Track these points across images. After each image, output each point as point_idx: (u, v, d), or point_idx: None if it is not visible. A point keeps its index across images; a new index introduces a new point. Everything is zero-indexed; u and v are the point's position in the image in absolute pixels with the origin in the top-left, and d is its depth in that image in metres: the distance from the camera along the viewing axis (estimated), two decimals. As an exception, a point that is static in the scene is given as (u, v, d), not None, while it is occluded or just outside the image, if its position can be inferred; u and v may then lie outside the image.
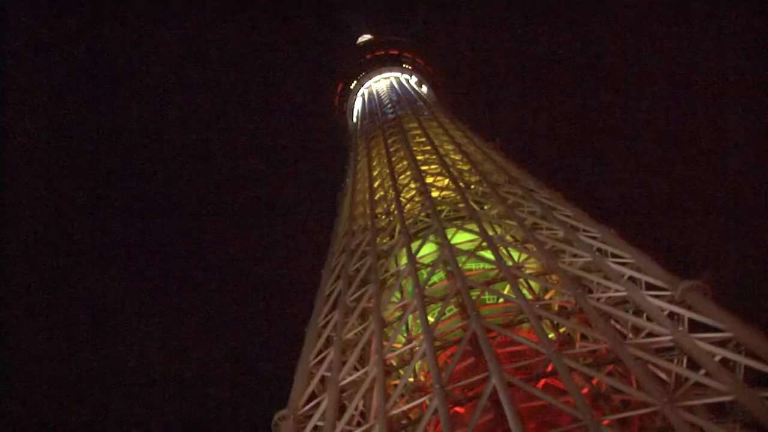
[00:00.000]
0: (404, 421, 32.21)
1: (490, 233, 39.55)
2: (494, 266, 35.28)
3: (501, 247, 38.57)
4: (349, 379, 32.29)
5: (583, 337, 34.59)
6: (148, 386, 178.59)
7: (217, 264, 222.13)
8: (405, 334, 37.89)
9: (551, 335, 35.23)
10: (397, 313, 37.23)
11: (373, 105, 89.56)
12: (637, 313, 31.06)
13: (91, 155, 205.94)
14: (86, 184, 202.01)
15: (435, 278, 38.52)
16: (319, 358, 35.65)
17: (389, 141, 65.31)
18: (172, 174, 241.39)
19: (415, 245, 39.05)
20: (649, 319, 30.14)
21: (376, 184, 55.93)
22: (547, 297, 38.58)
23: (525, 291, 37.07)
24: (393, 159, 58.49)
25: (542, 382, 30.76)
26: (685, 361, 28.42)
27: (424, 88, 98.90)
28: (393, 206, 47.80)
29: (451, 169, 50.95)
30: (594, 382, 32.01)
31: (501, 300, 35.65)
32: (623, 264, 33.68)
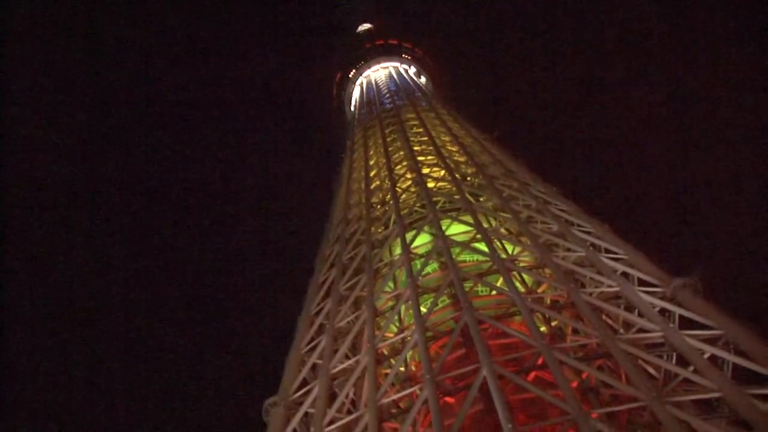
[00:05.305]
0: (394, 410, 32.36)
1: (485, 225, 39.68)
2: (488, 258, 35.35)
3: (495, 240, 38.68)
4: (341, 367, 32.48)
5: (575, 331, 34.82)
6: (139, 374, 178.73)
7: (211, 251, 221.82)
8: (397, 324, 38.04)
9: (543, 328, 35.48)
10: (390, 303, 37.34)
11: (372, 94, 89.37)
12: (629, 308, 31.31)
13: (85, 142, 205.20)
14: (80, 167, 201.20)
15: (429, 269, 38.69)
16: (311, 345, 35.80)
17: (386, 131, 65.30)
18: (166, 160, 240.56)
19: (409, 235, 39.15)
20: (640, 315, 30.37)
21: (372, 174, 55.93)
22: (539, 290, 38.76)
23: (518, 284, 37.33)
24: (390, 149, 58.51)
25: (532, 374, 30.88)
26: (674, 357, 28.65)
27: (423, 79, 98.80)
28: (388, 196, 47.90)
29: (448, 161, 51.00)
30: (584, 376, 32.20)
31: (494, 292, 35.72)
32: (616, 260, 33.87)
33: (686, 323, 28.80)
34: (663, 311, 29.80)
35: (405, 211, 43.18)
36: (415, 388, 28.47)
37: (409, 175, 51.30)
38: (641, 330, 29.72)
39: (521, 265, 38.23)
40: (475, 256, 37.98)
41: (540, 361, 28.46)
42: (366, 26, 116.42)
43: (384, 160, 55.94)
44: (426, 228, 40.22)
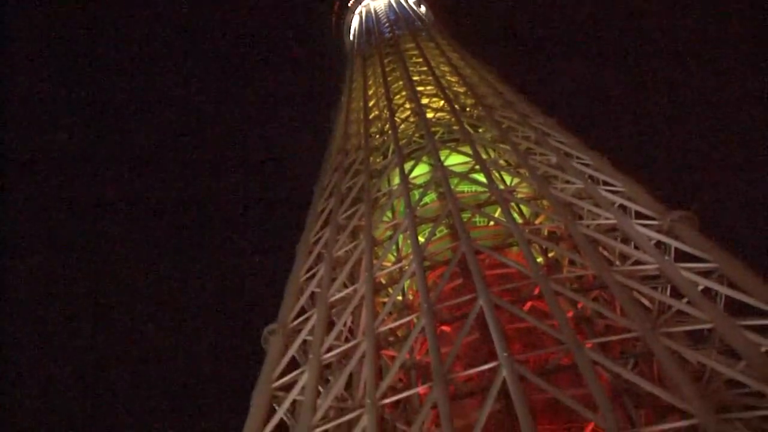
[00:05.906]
0: (392, 338, 32.83)
1: (484, 156, 39.61)
2: (486, 189, 35.38)
3: (494, 171, 38.69)
4: (339, 295, 32.72)
5: (571, 262, 35.04)
6: (138, 301, 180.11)
7: (208, 180, 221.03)
8: (395, 254, 38.34)
9: (539, 259, 35.76)
10: (388, 233, 37.54)
11: (371, 23, 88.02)
12: (625, 241, 31.43)
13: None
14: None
15: (427, 199, 38.69)
16: (310, 274, 36.07)
17: (385, 61, 64.61)
18: (162, 96, 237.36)
19: (408, 166, 39.13)
20: (636, 247, 30.50)
21: (371, 104, 55.59)
22: (537, 222, 38.89)
23: (516, 215, 37.47)
24: (389, 79, 57.98)
25: (528, 304, 31.25)
26: (669, 289, 28.94)
27: (423, 8, 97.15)
28: (387, 126, 47.64)
29: (447, 91, 50.61)
30: (579, 306, 32.57)
31: (491, 223, 35.89)
32: (614, 192, 33.92)
33: (682, 256, 29.05)
34: (659, 244, 30.01)
35: (404, 141, 43.03)
36: (413, 317, 28.88)
37: (408, 105, 50.96)
38: (637, 262, 29.94)
39: (519, 196, 38.20)
40: (474, 187, 37.95)
41: (536, 292, 28.89)
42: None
43: (383, 90, 55.48)
44: (424, 158, 40.15)
